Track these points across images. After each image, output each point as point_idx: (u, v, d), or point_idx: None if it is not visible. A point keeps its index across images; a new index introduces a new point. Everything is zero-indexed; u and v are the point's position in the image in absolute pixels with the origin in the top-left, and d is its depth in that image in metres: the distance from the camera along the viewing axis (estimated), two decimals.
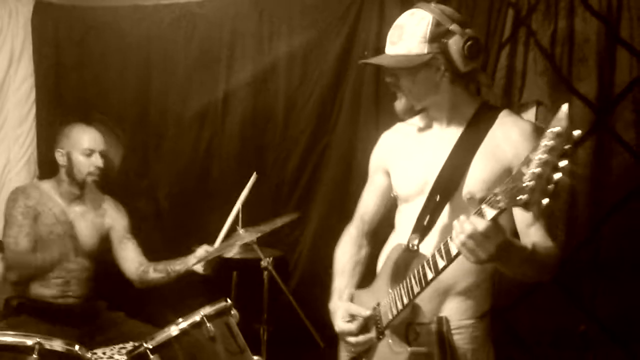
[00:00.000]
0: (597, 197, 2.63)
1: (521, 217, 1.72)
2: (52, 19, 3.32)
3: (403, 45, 1.78)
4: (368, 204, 2.12)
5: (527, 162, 1.30)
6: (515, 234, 1.75)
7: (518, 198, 1.32)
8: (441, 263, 1.58)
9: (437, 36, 1.76)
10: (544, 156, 1.26)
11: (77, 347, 1.97)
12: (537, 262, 1.65)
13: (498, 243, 1.46)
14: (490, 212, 1.42)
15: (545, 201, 1.27)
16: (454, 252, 1.53)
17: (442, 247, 1.56)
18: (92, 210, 3.02)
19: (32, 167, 3.35)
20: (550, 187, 1.26)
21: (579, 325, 2.62)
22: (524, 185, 1.30)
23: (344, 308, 1.94)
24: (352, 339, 1.90)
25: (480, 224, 1.44)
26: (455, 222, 1.51)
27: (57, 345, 1.91)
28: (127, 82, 3.33)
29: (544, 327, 2.69)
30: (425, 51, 1.77)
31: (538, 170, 1.27)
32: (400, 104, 1.89)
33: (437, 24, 1.76)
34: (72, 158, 2.90)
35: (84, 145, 2.89)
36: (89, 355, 2.03)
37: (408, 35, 1.78)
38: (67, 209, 2.96)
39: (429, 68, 1.79)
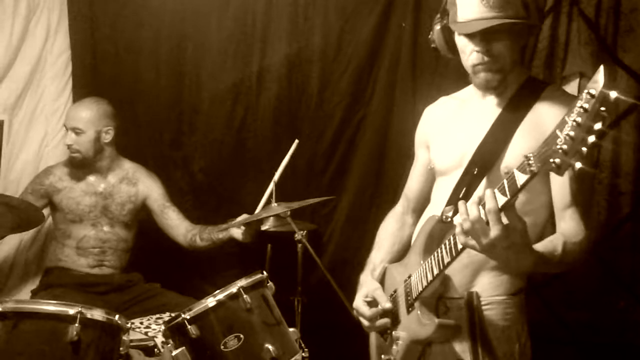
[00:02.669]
0: None
1: (559, 197, 1.68)
2: None
3: (509, 8, 1.66)
4: (412, 180, 2.12)
5: (561, 125, 1.26)
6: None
7: (551, 161, 1.27)
8: (458, 241, 1.54)
9: (528, 1, 1.69)
10: (579, 118, 1.21)
11: (117, 317, 2.00)
12: (566, 263, 1.62)
13: (508, 240, 1.42)
14: (522, 177, 1.37)
15: (578, 165, 1.22)
16: None
17: (458, 225, 1.52)
18: (125, 181, 3.06)
19: None
20: (584, 150, 1.21)
21: (617, 301, 2.57)
22: (557, 148, 1.25)
23: (371, 289, 1.94)
24: (364, 321, 1.93)
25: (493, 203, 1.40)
26: (460, 203, 1.48)
27: (98, 314, 1.94)
28: (161, 55, 3.31)
29: (581, 304, 2.65)
30: (526, 15, 1.69)
31: (572, 133, 1.22)
32: (486, 76, 1.75)
33: None
34: None
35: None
36: (128, 324, 2.07)
37: None
38: (97, 180, 3.01)
39: (526, 35, 1.76)
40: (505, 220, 1.43)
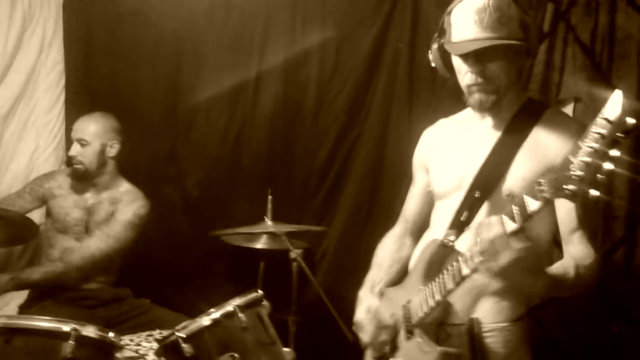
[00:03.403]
0: (635, 196, 2.59)
1: (565, 220, 1.67)
2: (84, 5, 3.32)
3: (504, 29, 1.65)
4: (411, 203, 2.09)
5: (574, 150, 1.23)
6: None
7: (564, 187, 1.24)
8: (466, 269, 1.53)
9: (527, 22, 1.69)
10: (594, 144, 1.18)
11: (111, 334, 1.96)
12: (577, 286, 1.61)
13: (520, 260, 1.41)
14: (533, 203, 1.34)
15: (594, 193, 1.20)
16: None
17: (467, 251, 1.52)
18: (113, 201, 3.02)
19: (60, 153, 3.37)
20: (600, 177, 1.19)
21: (611, 325, 2.58)
22: (571, 174, 1.22)
23: (372, 304, 1.92)
24: (364, 336, 1.91)
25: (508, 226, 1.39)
26: (473, 225, 1.48)
27: (92, 331, 1.90)
28: (157, 70, 3.32)
29: (575, 327, 2.65)
30: (524, 36, 1.68)
31: (587, 159, 1.19)
32: (480, 97, 1.74)
33: (521, 9, 1.68)
34: None
35: (72, 134, 2.99)
36: (122, 342, 2.03)
37: (507, 19, 1.66)
38: (88, 196, 2.99)
39: (523, 57, 1.75)
40: (519, 243, 1.42)
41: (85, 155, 2.93)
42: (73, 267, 2.84)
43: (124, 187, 3.06)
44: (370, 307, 1.92)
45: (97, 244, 2.89)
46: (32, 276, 2.77)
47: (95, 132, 2.95)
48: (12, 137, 3.25)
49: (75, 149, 2.94)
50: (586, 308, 2.60)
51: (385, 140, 3.11)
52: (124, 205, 3.00)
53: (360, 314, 1.94)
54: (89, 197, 3.00)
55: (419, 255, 1.87)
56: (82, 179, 2.98)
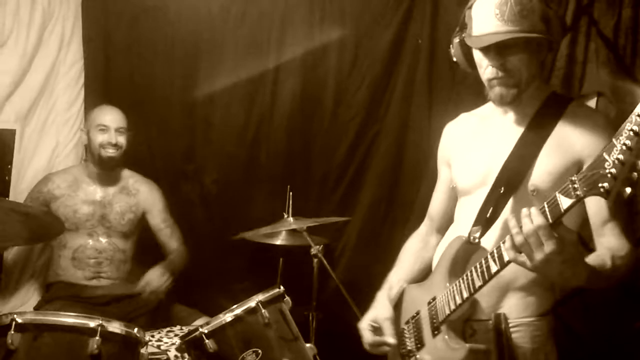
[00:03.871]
0: None
1: (596, 212, 1.66)
2: (103, 3, 3.34)
3: (526, 22, 1.66)
4: (436, 200, 2.09)
5: (609, 148, 1.24)
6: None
7: (599, 186, 1.25)
8: (507, 256, 1.52)
9: (549, 15, 1.69)
10: (628, 142, 1.19)
11: (135, 330, 1.98)
12: (613, 277, 1.60)
13: (564, 252, 1.40)
14: (566, 201, 1.34)
15: (628, 190, 1.20)
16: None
17: (508, 239, 1.51)
18: (125, 191, 3.05)
19: (80, 150, 3.38)
20: (635, 175, 1.19)
21: (634, 321, 2.56)
22: (606, 172, 1.23)
23: (380, 317, 1.92)
24: (364, 344, 1.94)
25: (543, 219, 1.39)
26: (509, 216, 1.45)
27: (117, 327, 1.92)
28: (175, 67, 3.32)
29: (598, 322, 2.63)
30: (545, 29, 1.68)
31: (622, 157, 1.20)
32: (501, 90, 1.74)
33: (543, 2, 1.68)
34: (90, 136, 3.02)
35: (97, 122, 3.01)
36: (146, 338, 2.05)
37: (528, 12, 1.66)
38: (96, 189, 3.02)
39: (545, 50, 1.74)
40: (563, 233, 1.42)
41: (124, 143, 3.02)
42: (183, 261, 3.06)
43: (126, 173, 3.13)
44: (378, 319, 1.92)
45: (175, 239, 3.10)
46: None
47: (126, 120, 3.04)
48: (32, 135, 3.26)
49: (114, 137, 2.98)
50: (609, 303, 2.58)
51: (404, 137, 3.11)
52: (146, 195, 3.09)
53: (364, 323, 1.95)
54: (95, 190, 3.03)
55: (443, 252, 1.86)
56: (111, 169, 3.04)
